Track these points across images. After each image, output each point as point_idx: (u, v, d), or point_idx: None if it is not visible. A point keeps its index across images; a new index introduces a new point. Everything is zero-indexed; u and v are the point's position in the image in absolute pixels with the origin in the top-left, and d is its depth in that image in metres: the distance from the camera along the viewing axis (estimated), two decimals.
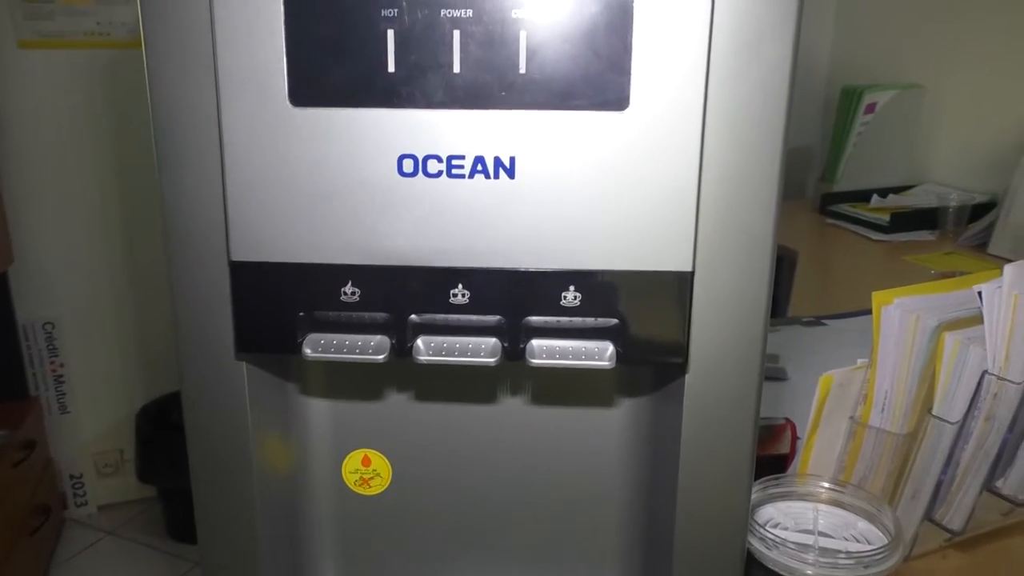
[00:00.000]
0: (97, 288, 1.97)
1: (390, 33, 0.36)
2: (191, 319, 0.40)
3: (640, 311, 0.38)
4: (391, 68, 0.36)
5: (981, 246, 1.52)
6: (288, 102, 0.37)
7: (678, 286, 0.38)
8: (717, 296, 0.38)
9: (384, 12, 0.35)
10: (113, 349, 2.01)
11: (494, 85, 0.36)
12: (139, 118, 1.89)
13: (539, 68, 0.35)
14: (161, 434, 1.83)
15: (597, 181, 0.36)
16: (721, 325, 0.38)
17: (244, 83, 0.37)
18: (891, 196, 1.80)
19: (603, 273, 0.37)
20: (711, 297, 0.38)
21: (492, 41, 0.35)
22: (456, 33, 0.35)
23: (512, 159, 0.36)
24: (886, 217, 1.65)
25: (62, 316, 1.96)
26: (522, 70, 0.35)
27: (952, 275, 1.24)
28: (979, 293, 0.57)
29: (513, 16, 0.35)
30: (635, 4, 0.35)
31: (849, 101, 1.81)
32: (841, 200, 1.82)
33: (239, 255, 0.39)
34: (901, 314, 0.66)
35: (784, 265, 1.55)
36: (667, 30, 0.35)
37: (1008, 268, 0.55)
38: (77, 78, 1.86)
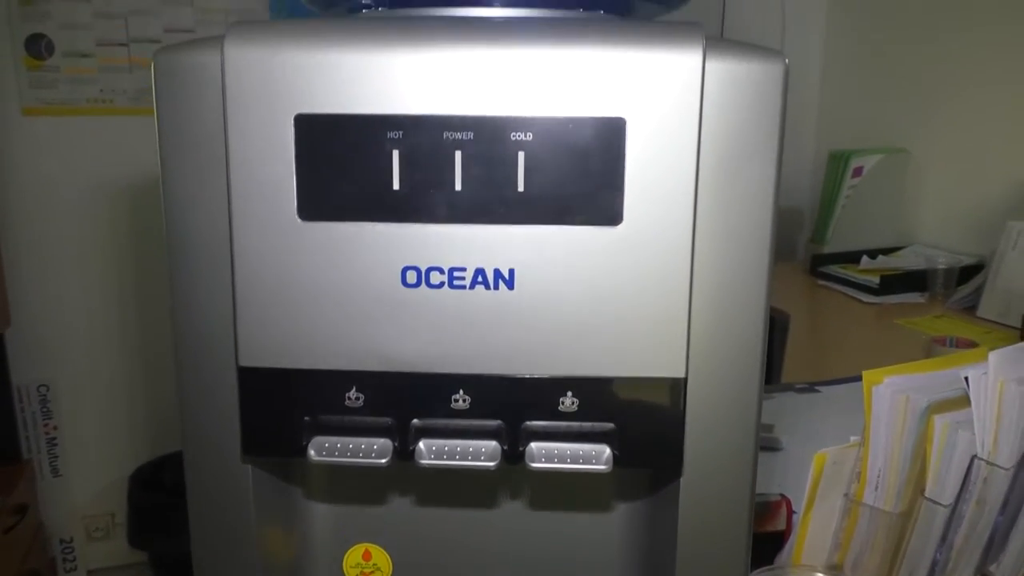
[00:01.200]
0: (93, 351, 1.97)
1: (395, 153, 0.38)
2: (198, 422, 0.41)
3: (636, 416, 0.39)
4: (396, 186, 0.38)
5: (971, 308, 1.55)
6: (297, 216, 0.39)
7: (672, 391, 0.39)
8: (710, 400, 0.39)
9: (390, 134, 0.37)
10: (107, 412, 2.01)
11: (494, 202, 0.37)
12: (138, 183, 1.92)
13: (536, 186, 0.37)
14: (153, 498, 1.81)
15: (592, 292, 0.38)
16: (715, 427, 0.40)
17: (255, 198, 0.39)
18: (880, 257, 1.83)
19: (599, 380, 0.39)
20: (704, 401, 0.39)
21: (492, 161, 0.37)
22: (458, 154, 0.37)
23: (511, 271, 0.38)
24: (876, 279, 1.68)
25: (57, 378, 1.96)
26: (520, 188, 0.37)
27: (943, 340, 1.26)
28: (966, 379, 0.58)
29: (512, 138, 0.37)
30: (627, 128, 0.37)
31: (837, 165, 1.85)
32: (831, 261, 1.85)
33: (247, 361, 0.40)
34: (891, 394, 0.68)
35: (777, 328, 1.57)
36: (657, 151, 0.37)
37: (993, 356, 0.56)
38: (79, 144, 1.89)
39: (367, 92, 0.37)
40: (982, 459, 0.57)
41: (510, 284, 0.38)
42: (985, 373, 0.56)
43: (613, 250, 0.38)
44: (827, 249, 1.88)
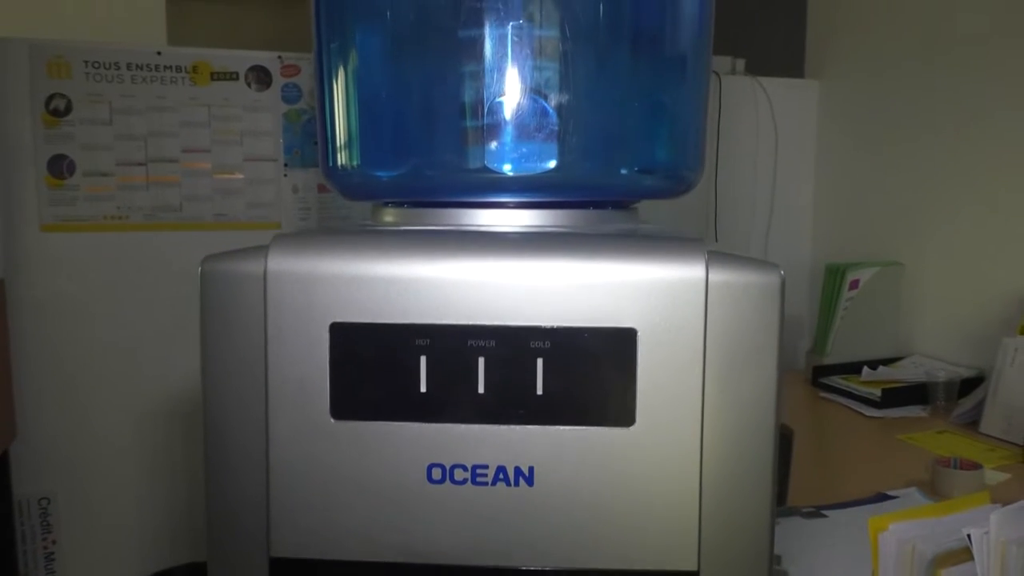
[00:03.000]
0: (97, 464, 1.97)
1: (423, 359, 0.40)
2: None
3: None
4: (423, 388, 0.40)
5: (973, 424, 1.56)
6: (330, 416, 0.41)
7: None
8: None
9: (418, 341, 0.40)
10: (107, 526, 1.99)
11: (514, 404, 0.40)
12: (148, 297, 1.96)
13: (554, 390, 0.40)
14: None
15: (608, 488, 0.40)
16: None
17: (291, 398, 0.41)
18: (881, 368, 1.85)
19: (615, 572, 0.41)
20: None
21: (513, 367, 0.40)
22: (481, 360, 0.40)
23: (531, 468, 0.40)
24: (878, 392, 1.70)
25: (58, 491, 1.95)
26: (539, 391, 0.40)
27: (946, 462, 1.27)
28: (968, 536, 0.60)
29: (531, 346, 0.40)
30: (638, 337, 0.40)
31: (834, 278, 1.89)
32: (832, 372, 1.87)
33: (279, 551, 0.42)
34: (897, 542, 0.69)
35: (781, 445, 1.58)
36: (666, 357, 0.40)
37: (994, 516, 0.58)
38: (93, 258, 1.94)
39: (397, 303, 0.41)
40: None
41: (530, 481, 0.40)
42: (987, 533, 0.58)
43: (627, 449, 0.40)
44: (828, 360, 1.90)
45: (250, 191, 2.02)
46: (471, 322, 0.40)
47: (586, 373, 0.40)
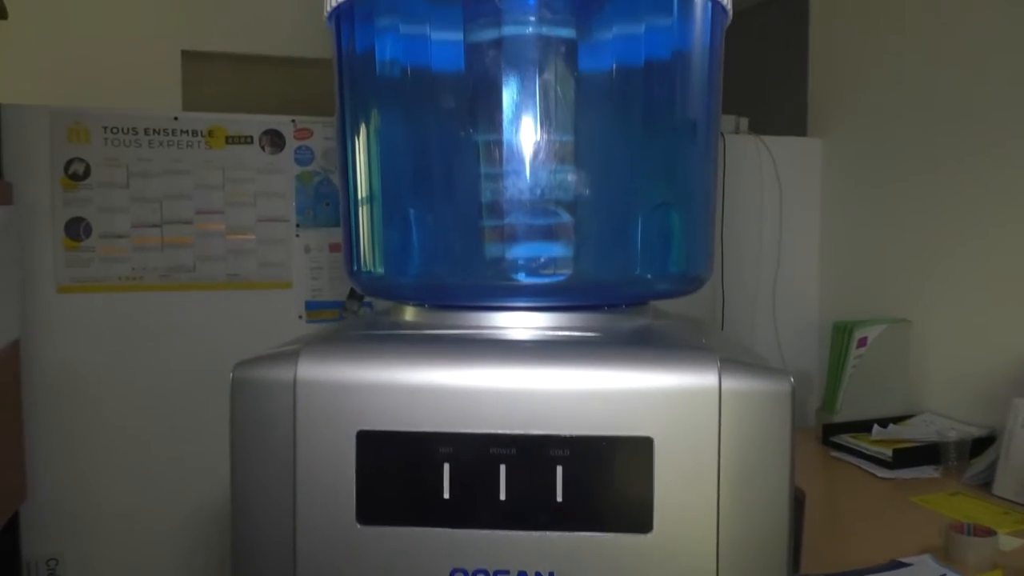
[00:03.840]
0: (105, 527, 1.96)
1: (446, 466, 0.42)
2: None
3: None
4: (446, 495, 0.42)
5: (986, 485, 1.55)
6: (356, 521, 0.42)
7: None
8: None
9: (442, 450, 0.42)
10: None
11: (535, 511, 0.41)
12: (161, 358, 1.98)
13: (574, 497, 0.41)
14: None
15: None
16: None
17: (318, 503, 0.43)
18: (891, 426, 1.85)
19: None
20: None
21: (533, 474, 0.41)
22: (502, 467, 0.42)
23: (551, 574, 0.41)
24: (889, 451, 1.69)
25: (66, 552, 1.95)
26: (559, 499, 0.41)
27: (960, 527, 1.26)
28: None
29: (551, 454, 0.41)
30: (655, 446, 0.41)
31: (841, 336, 1.90)
32: (843, 430, 1.86)
33: None
34: None
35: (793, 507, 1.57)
36: (682, 465, 0.41)
37: None
38: (107, 319, 1.96)
39: (421, 411, 0.42)
40: None
41: None
42: None
43: (644, 555, 0.41)
44: (838, 418, 1.90)
45: (262, 251, 2.06)
46: (493, 430, 0.42)
47: (604, 481, 0.41)
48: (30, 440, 1.85)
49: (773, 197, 2.22)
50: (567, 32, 0.51)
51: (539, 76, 0.50)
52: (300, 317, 2.07)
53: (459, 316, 0.50)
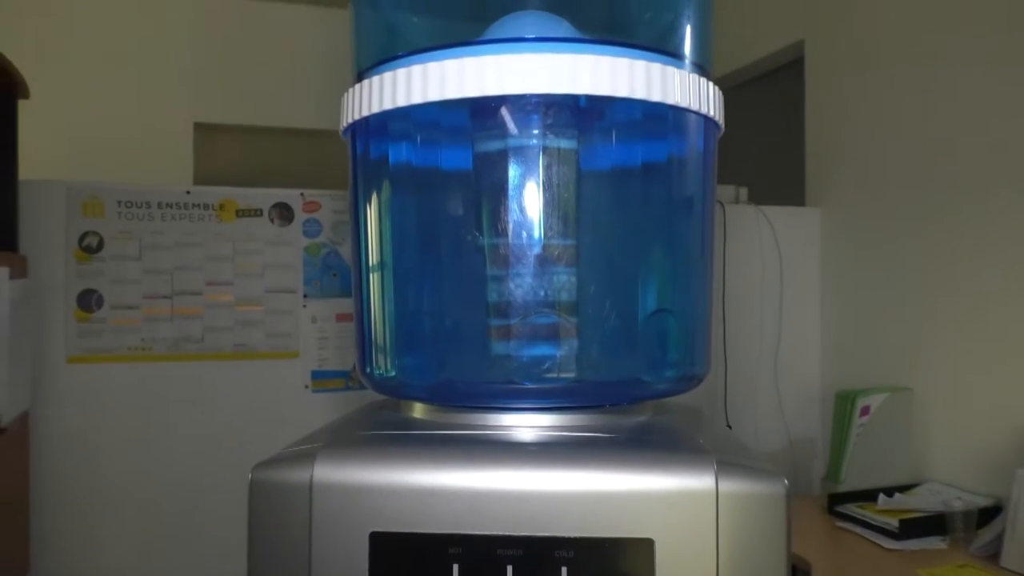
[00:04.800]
0: None
1: (455, 567, 0.44)
2: None
3: None
4: None
5: (993, 556, 1.54)
6: None
7: None
8: None
9: (451, 550, 0.44)
10: None
11: None
12: (168, 428, 1.99)
13: None
14: None
15: None
16: None
17: None
18: (897, 496, 1.84)
19: None
20: None
21: (539, 574, 0.43)
22: (509, 567, 0.43)
23: None
24: (895, 522, 1.68)
25: None
26: None
27: None
28: None
29: (556, 555, 0.43)
30: (655, 547, 0.43)
31: (844, 405, 1.91)
32: (848, 500, 1.86)
33: None
34: None
35: None
36: (682, 565, 0.43)
37: None
38: (116, 389, 1.99)
39: (431, 513, 0.44)
40: None
41: None
42: None
43: None
44: (842, 488, 1.89)
45: (269, 322, 2.09)
46: (500, 532, 0.44)
47: None
48: (35, 511, 1.85)
49: (773, 266, 2.26)
50: (569, 143, 0.54)
51: (542, 183, 0.53)
52: (306, 387, 2.09)
53: (467, 415, 0.52)
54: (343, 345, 2.12)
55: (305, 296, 2.11)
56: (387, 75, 0.51)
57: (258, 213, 2.08)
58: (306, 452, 0.47)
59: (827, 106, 2.32)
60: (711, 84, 0.53)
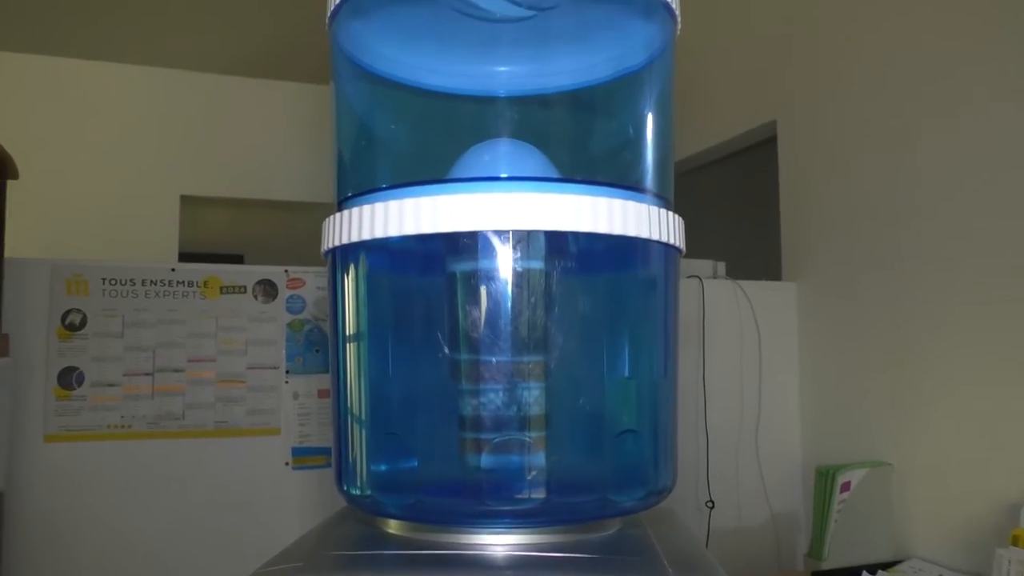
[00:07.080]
0: None
1: None
2: None
3: None
4: None
5: None
6: None
7: None
8: None
9: None
10: None
11: None
12: (146, 506, 1.97)
13: None
14: None
15: None
16: None
17: None
18: (880, 573, 1.84)
19: None
20: None
21: None
22: None
23: None
24: None
25: None
26: None
27: None
28: None
29: None
30: None
31: (824, 481, 1.92)
32: None
33: None
34: None
35: None
36: None
37: None
38: (94, 468, 1.96)
39: None
40: None
41: None
42: None
43: None
44: (825, 565, 1.89)
45: (251, 398, 2.08)
46: None
47: None
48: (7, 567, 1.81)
49: (751, 339, 2.29)
50: (537, 266, 0.57)
51: (512, 304, 0.55)
52: (287, 464, 2.08)
53: (440, 533, 0.53)
54: (324, 421, 2.11)
55: (287, 372, 2.11)
56: (366, 208, 0.53)
57: (242, 290, 2.10)
58: (287, 570, 0.48)
59: (800, 183, 2.39)
60: (671, 213, 0.56)
